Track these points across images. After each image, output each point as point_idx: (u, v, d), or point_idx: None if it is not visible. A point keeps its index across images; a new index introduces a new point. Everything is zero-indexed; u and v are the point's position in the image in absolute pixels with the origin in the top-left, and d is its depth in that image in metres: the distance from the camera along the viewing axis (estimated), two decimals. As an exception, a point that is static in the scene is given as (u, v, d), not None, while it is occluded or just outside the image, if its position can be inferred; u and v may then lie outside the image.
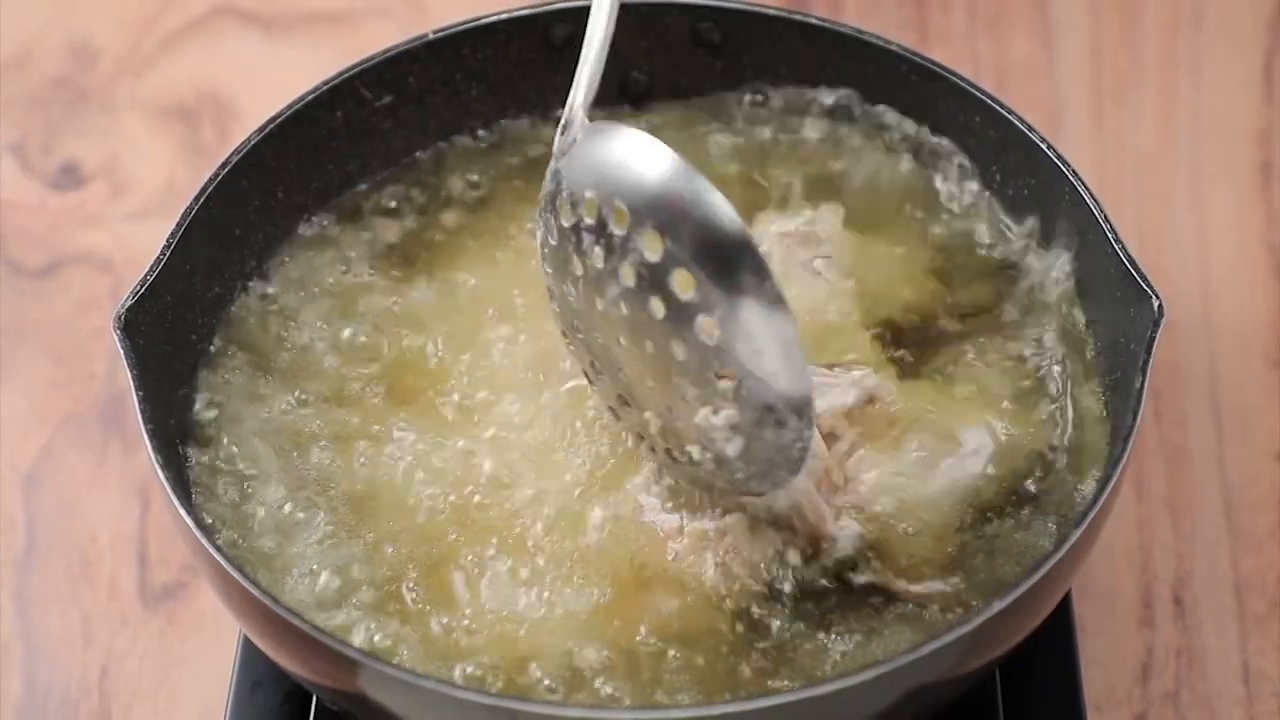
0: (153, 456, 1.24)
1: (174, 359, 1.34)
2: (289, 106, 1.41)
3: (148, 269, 1.30)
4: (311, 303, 1.42)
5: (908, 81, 1.44)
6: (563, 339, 1.32)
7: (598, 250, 1.23)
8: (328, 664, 1.18)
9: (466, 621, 1.26)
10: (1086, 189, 1.35)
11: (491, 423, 1.34)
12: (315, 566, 1.28)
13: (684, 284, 1.19)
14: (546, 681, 1.23)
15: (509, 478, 1.31)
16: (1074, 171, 1.36)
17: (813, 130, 1.49)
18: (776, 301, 1.17)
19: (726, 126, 1.50)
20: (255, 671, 1.38)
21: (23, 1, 1.87)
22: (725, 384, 1.21)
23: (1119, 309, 1.31)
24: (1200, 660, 1.46)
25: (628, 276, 1.22)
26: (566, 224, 1.24)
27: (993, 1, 1.85)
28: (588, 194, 1.22)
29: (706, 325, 1.19)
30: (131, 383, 1.26)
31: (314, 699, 1.36)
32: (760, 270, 1.17)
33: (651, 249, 1.20)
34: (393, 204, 1.47)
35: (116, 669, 1.46)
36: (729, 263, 1.17)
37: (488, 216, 1.47)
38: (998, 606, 1.17)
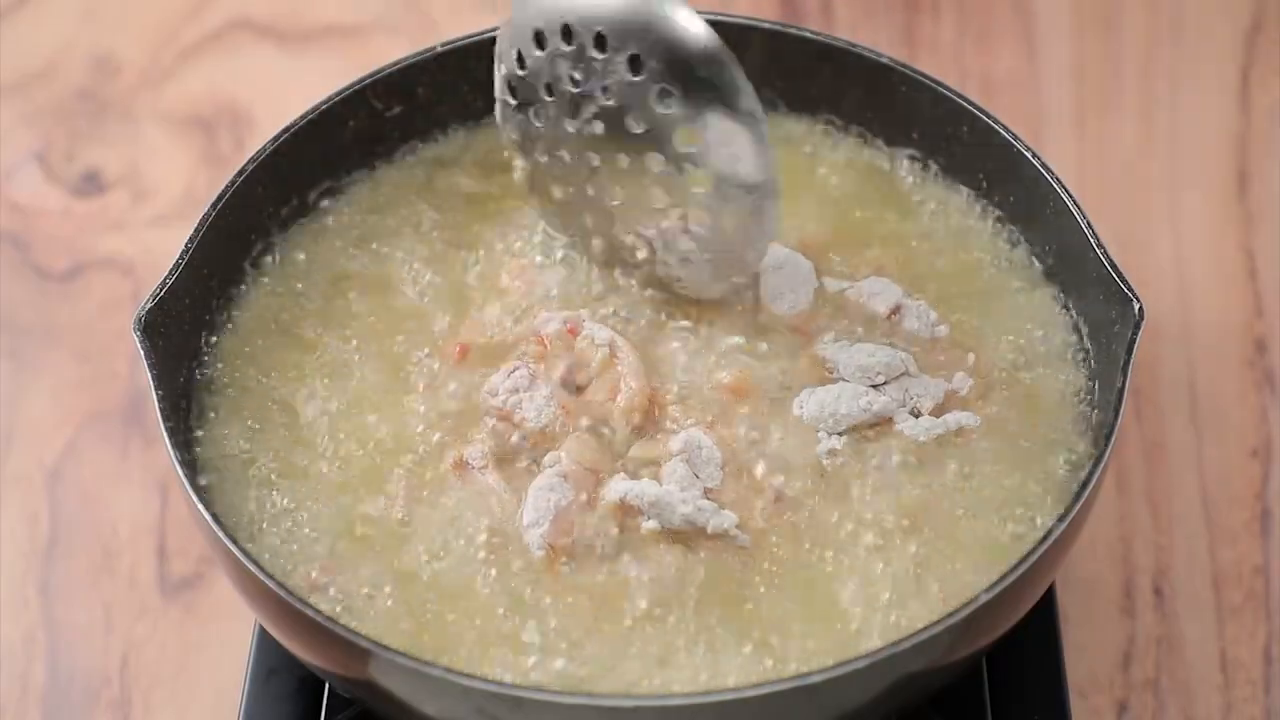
0: (171, 453, 1.26)
1: (192, 357, 1.36)
2: (302, 116, 1.42)
3: (166, 273, 1.32)
4: (318, 302, 1.42)
5: (898, 91, 1.45)
6: (518, 159, 1.37)
7: (576, 75, 1.28)
8: (339, 653, 1.20)
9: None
10: (1070, 196, 1.36)
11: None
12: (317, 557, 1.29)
13: (663, 100, 1.27)
14: None
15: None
16: (1058, 179, 1.37)
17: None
18: (750, 105, 1.25)
19: None
20: (270, 659, 1.39)
21: (49, 17, 1.89)
22: (698, 191, 1.28)
23: (1101, 311, 1.33)
24: (1179, 648, 1.47)
25: (607, 97, 1.28)
26: (541, 52, 1.29)
27: (980, 15, 1.86)
28: (566, 21, 1.27)
29: (684, 136, 1.27)
30: (151, 382, 1.27)
31: (326, 685, 1.38)
32: (731, 78, 1.25)
33: (631, 70, 1.26)
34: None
35: (136, 657, 1.48)
36: (704, 78, 1.25)
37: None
38: (985, 598, 1.19)
